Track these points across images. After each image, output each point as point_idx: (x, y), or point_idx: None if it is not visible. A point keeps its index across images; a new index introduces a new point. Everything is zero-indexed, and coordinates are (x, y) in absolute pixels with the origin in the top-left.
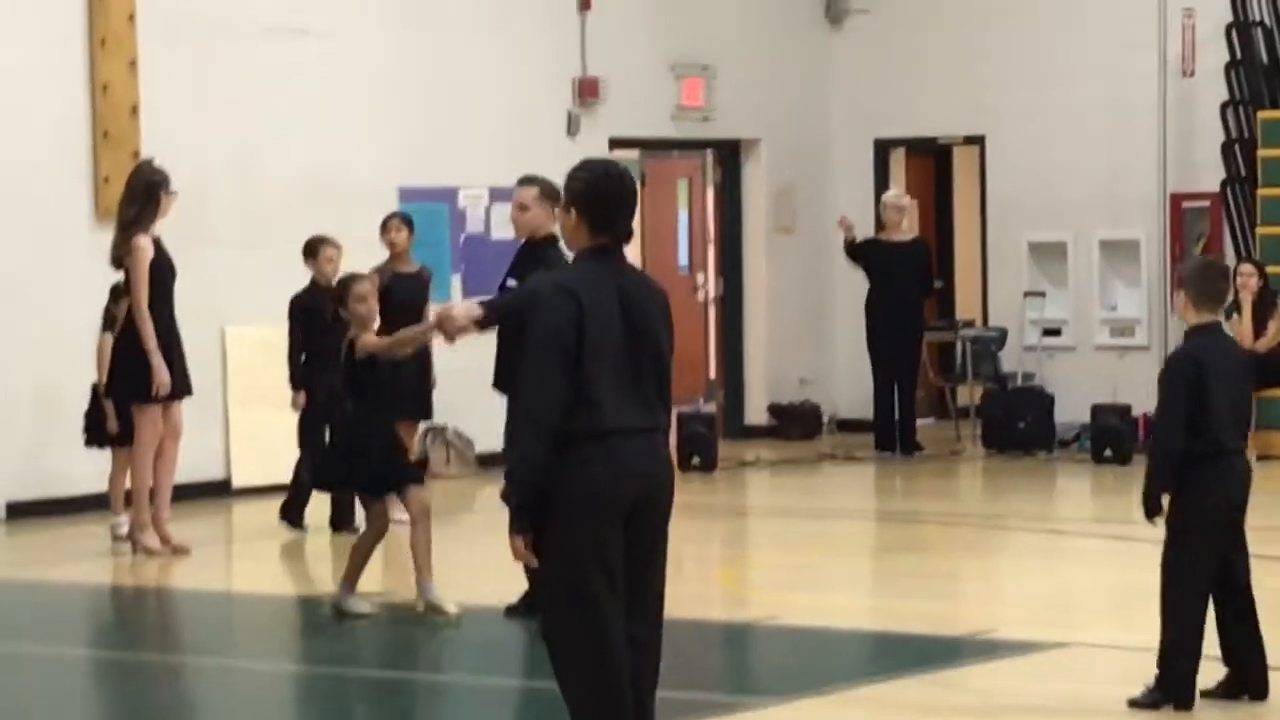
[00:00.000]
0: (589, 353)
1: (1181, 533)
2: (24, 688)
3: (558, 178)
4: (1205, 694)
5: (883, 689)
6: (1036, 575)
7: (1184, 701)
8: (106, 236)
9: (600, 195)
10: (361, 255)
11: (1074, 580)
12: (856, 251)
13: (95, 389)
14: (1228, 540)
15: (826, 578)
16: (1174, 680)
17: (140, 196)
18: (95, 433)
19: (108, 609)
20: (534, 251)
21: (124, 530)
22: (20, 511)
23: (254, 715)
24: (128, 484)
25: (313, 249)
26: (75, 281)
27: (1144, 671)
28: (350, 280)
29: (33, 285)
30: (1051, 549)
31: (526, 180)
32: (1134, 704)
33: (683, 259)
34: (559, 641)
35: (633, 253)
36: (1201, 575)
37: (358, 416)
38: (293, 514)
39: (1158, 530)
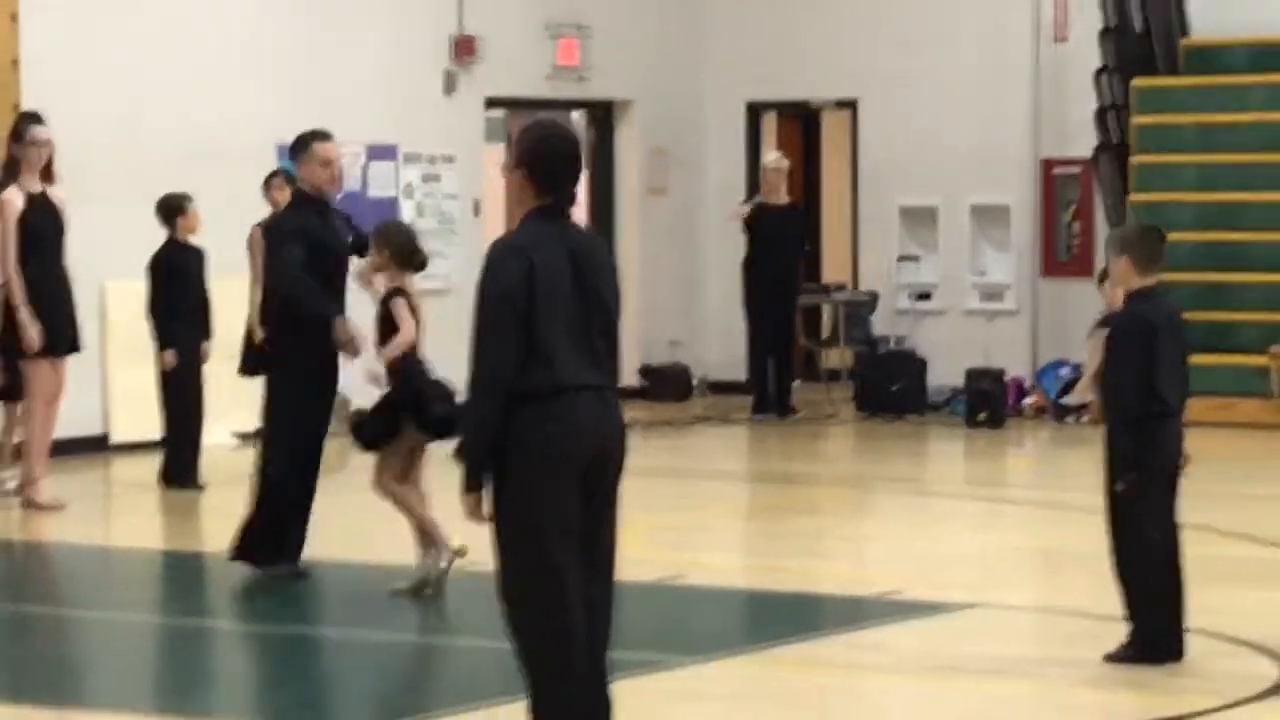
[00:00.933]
0: (541, 310)
1: (1139, 494)
2: None
3: (434, 135)
4: (1109, 656)
5: (802, 649)
6: (929, 537)
7: (1161, 655)
8: None
9: (548, 155)
10: (241, 211)
11: (968, 542)
12: (752, 221)
13: None
14: (1170, 500)
15: (724, 538)
16: (1149, 636)
17: (8, 151)
18: None
19: None
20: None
21: (11, 486)
22: None
23: (129, 666)
24: (15, 439)
25: (179, 208)
26: None
27: (1055, 632)
28: None
29: None
30: (940, 511)
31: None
32: (1110, 658)
33: None
34: (517, 602)
35: (495, 212)
36: (1161, 528)
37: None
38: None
39: (1035, 493)
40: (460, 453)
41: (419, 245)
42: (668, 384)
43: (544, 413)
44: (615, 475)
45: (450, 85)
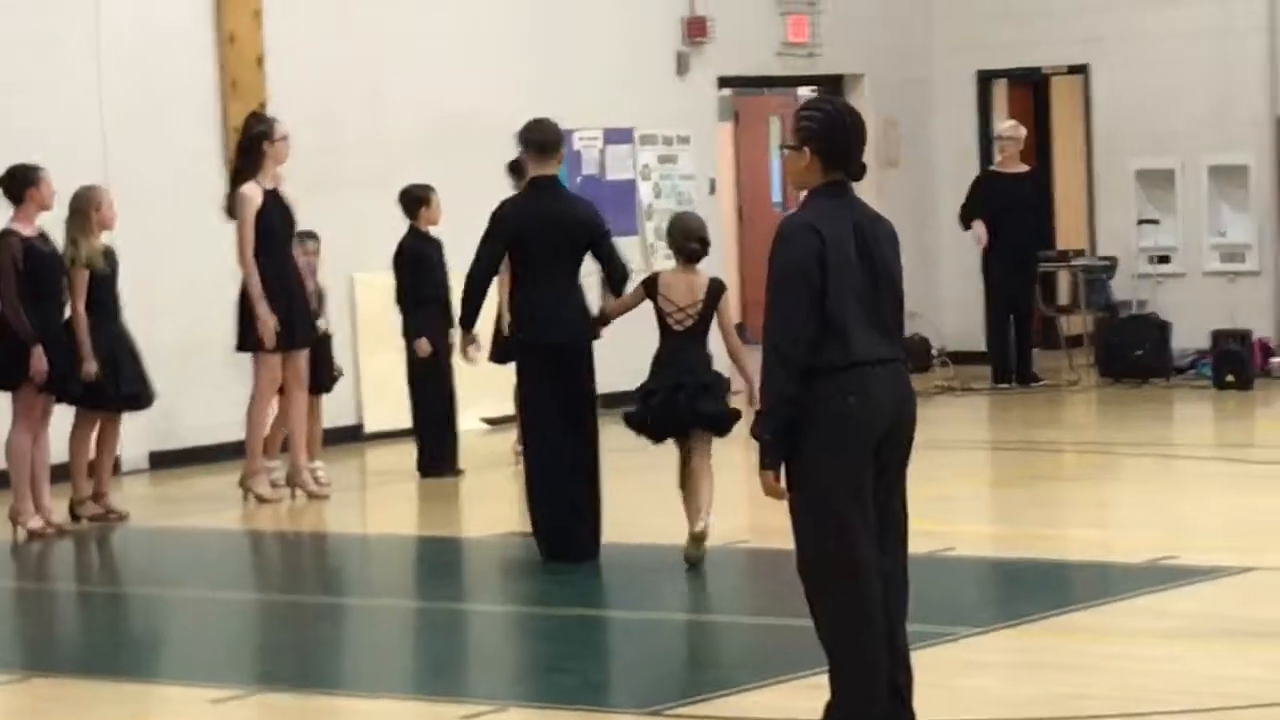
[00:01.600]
0: (833, 286)
1: None
2: (183, 628)
3: (669, 116)
4: None
5: (1084, 616)
6: (1190, 501)
7: None
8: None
9: (835, 132)
10: (481, 199)
11: (1231, 505)
12: (971, 208)
13: None
14: None
15: (985, 508)
16: None
17: (243, 148)
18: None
19: (234, 553)
20: None
21: (277, 476)
22: (161, 461)
23: (418, 650)
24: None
25: (422, 199)
26: (210, 233)
27: None
28: None
29: (170, 238)
30: (1197, 474)
31: None
32: None
33: (776, 196)
34: (816, 574)
35: (727, 190)
36: None
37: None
38: (427, 462)
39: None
40: (756, 429)
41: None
42: (908, 356)
43: (839, 386)
44: (907, 446)
45: (683, 66)
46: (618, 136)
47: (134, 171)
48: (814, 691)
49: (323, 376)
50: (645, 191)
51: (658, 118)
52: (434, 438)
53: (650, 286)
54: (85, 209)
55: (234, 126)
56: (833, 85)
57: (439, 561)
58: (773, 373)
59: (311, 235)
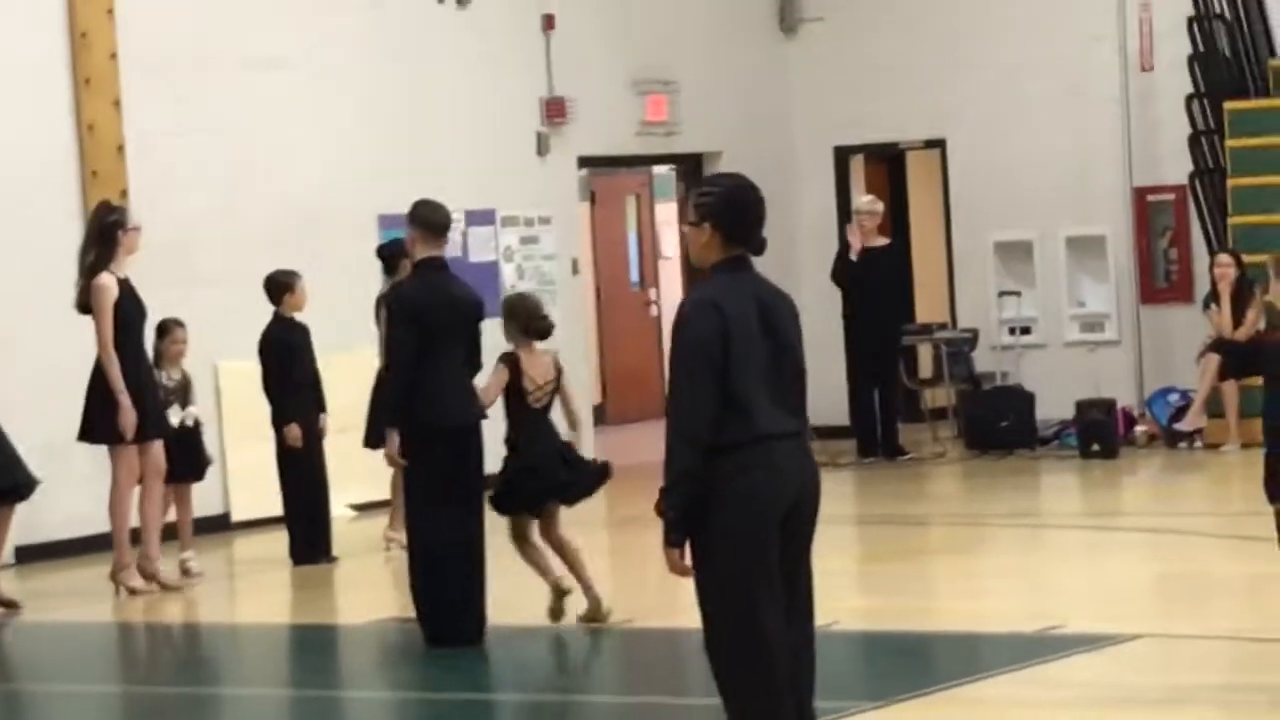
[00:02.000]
0: (736, 362)
1: None
2: None
3: (529, 198)
4: None
5: (979, 688)
6: (1067, 570)
7: None
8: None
9: (735, 207)
10: (345, 283)
11: (1114, 572)
12: (843, 273)
13: None
14: None
15: (866, 582)
16: None
17: (97, 238)
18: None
19: (114, 646)
20: None
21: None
22: (27, 555)
23: None
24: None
25: (286, 285)
26: (68, 324)
27: (1223, 657)
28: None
29: (26, 328)
30: (1077, 544)
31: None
32: None
33: (634, 275)
34: (723, 650)
35: (586, 270)
36: None
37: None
38: (299, 550)
39: (1164, 520)
40: (660, 507)
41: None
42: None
43: (744, 461)
44: (813, 520)
45: (543, 146)
46: (480, 218)
47: None
48: None
49: (195, 464)
50: (508, 273)
51: (519, 198)
52: (306, 525)
53: (514, 365)
54: None
55: None
56: (692, 163)
57: (319, 649)
58: (676, 449)
59: (178, 323)
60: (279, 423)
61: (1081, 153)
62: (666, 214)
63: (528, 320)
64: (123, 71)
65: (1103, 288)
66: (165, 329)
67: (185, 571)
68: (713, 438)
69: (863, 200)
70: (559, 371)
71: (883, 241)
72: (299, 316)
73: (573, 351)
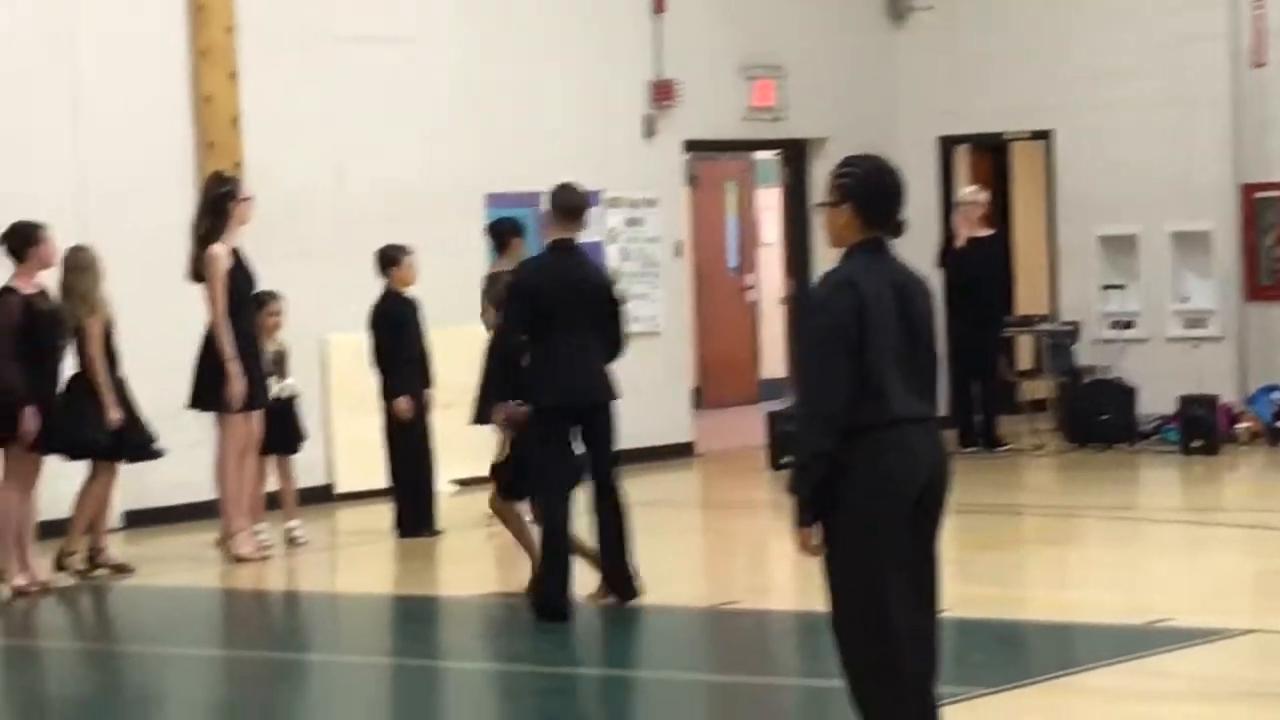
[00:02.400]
0: (872, 343)
1: None
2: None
3: (635, 179)
4: None
5: (1092, 677)
6: (1174, 564)
7: None
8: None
9: (875, 189)
10: (448, 260)
11: (1218, 567)
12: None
13: None
14: None
15: (970, 570)
16: None
17: (209, 208)
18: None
19: (219, 611)
20: None
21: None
22: (136, 520)
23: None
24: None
25: (394, 259)
26: (181, 293)
27: None
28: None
29: (144, 298)
30: (1177, 538)
31: None
32: None
33: (732, 260)
34: (850, 632)
35: (687, 254)
36: None
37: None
38: (405, 523)
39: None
40: (792, 487)
41: None
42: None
43: (878, 444)
44: (942, 504)
45: (650, 129)
46: None
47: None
48: None
49: (289, 436)
50: (613, 254)
51: (625, 180)
52: (412, 498)
53: None
54: (93, 264)
55: None
56: (796, 149)
57: (423, 619)
58: (808, 429)
59: (275, 295)
60: (388, 396)
61: (1189, 148)
62: (767, 199)
63: None
64: (239, 44)
65: (1207, 284)
66: (262, 301)
67: (291, 540)
68: (847, 419)
69: (966, 190)
70: None
71: (987, 232)
72: (408, 292)
73: (674, 334)
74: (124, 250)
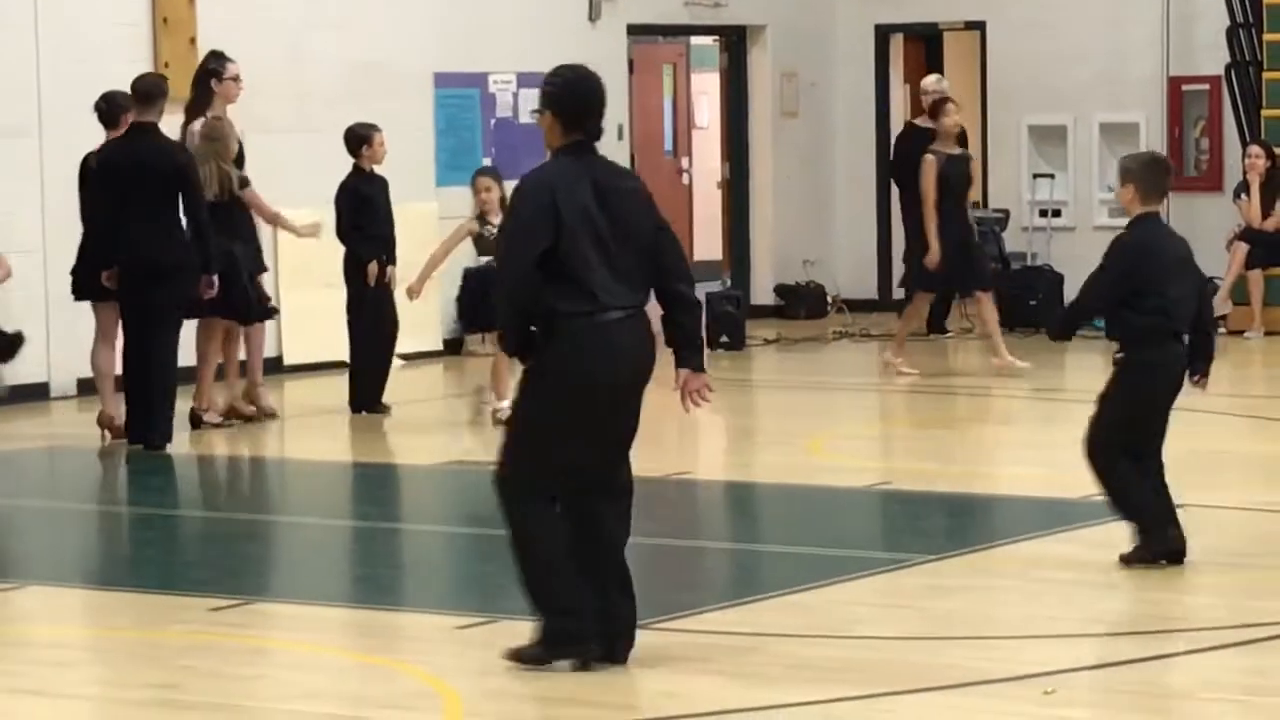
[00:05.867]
0: (566, 237)
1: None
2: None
3: (580, 61)
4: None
5: (1032, 546)
6: None
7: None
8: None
9: (573, 97)
10: (401, 140)
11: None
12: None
13: None
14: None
15: (914, 446)
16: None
17: (194, 83)
18: None
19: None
20: None
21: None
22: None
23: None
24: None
25: (365, 138)
26: None
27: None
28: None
29: None
30: None
31: None
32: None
33: (668, 144)
34: (520, 514)
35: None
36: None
37: None
38: (360, 397)
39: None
40: (505, 349)
41: None
42: (803, 302)
43: (581, 333)
44: (640, 393)
45: (594, 12)
46: (530, 80)
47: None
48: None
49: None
50: None
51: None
52: (369, 372)
53: None
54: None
55: (164, 62)
56: (736, 35)
57: (386, 484)
58: (504, 311)
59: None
60: (353, 267)
61: (1119, 41)
62: (703, 84)
63: None
64: None
65: None
66: None
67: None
68: (549, 303)
69: (928, 80)
70: None
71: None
72: (377, 170)
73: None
74: (81, 125)
